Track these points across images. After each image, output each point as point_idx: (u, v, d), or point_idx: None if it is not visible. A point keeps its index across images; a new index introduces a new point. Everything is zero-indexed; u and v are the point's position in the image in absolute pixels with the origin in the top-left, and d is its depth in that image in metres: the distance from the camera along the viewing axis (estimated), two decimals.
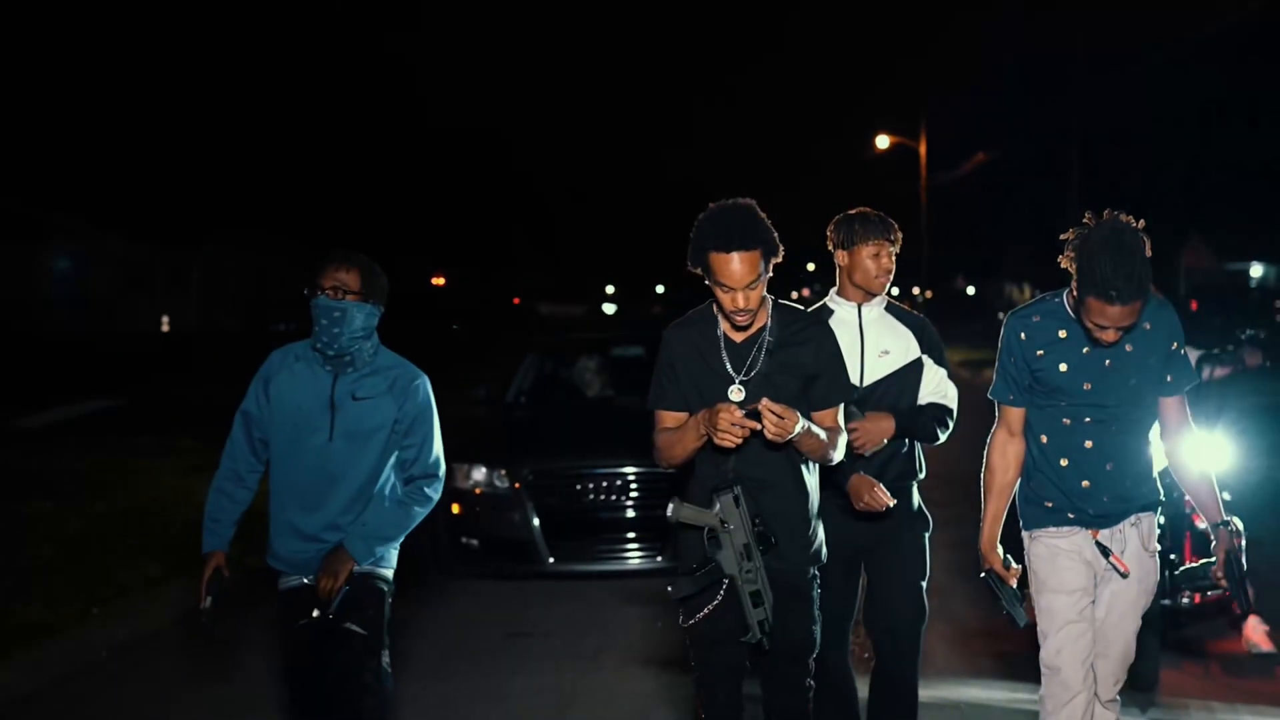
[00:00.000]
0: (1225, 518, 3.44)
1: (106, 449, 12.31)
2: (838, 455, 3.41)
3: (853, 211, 4.06)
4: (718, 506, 3.23)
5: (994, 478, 3.59)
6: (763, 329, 3.37)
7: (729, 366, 3.34)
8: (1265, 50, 30.64)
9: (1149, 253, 3.18)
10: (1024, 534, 3.59)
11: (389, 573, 3.77)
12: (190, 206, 34.88)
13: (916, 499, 4.09)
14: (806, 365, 3.36)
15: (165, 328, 33.48)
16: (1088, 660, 3.48)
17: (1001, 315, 6.23)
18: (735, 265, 3.20)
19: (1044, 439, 3.50)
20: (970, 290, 58.95)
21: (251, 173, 34.52)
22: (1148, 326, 3.36)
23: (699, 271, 3.33)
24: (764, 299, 3.37)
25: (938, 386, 4.10)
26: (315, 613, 3.64)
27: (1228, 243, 47.15)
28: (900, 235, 4.08)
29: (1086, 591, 3.49)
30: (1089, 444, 3.42)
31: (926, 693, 4.85)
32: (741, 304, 3.25)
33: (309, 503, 3.66)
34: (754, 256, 3.22)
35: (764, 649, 3.28)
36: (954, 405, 4.12)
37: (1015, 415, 3.54)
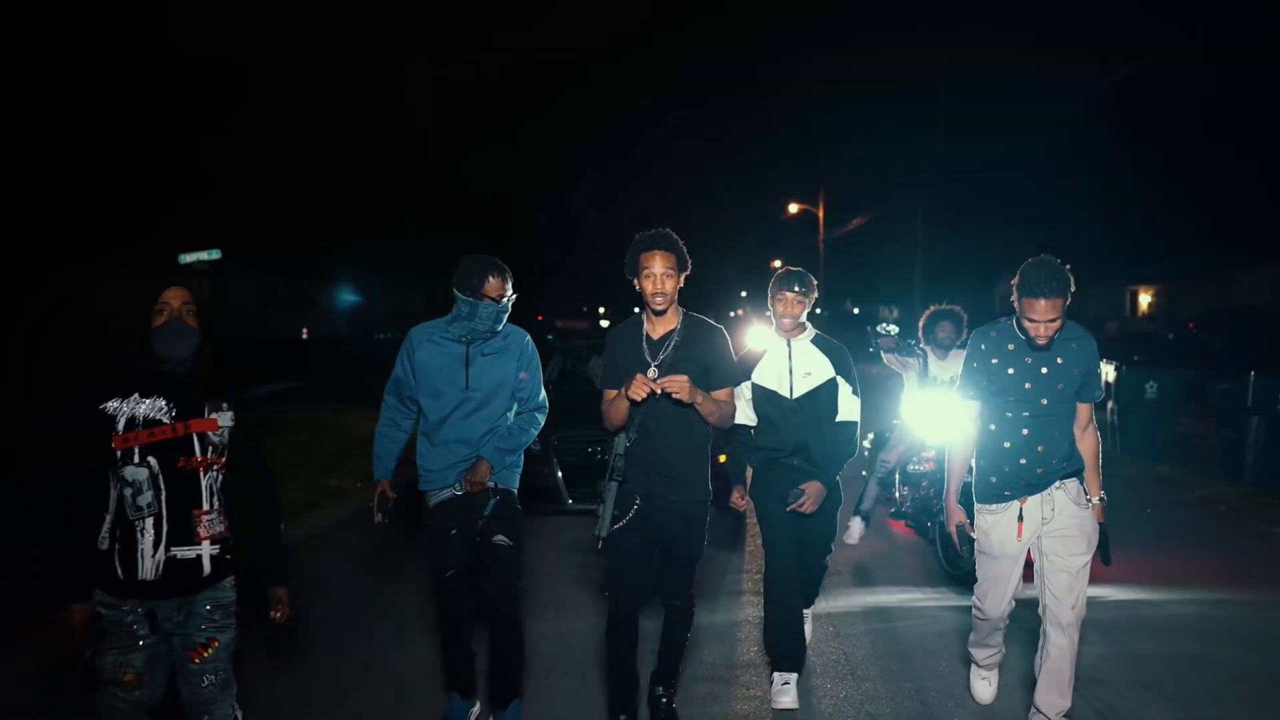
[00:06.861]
0: (1101, 494, 3.37)
1: (307, 410, 12.83)
2: (731, 422, 3.45)
3: (785, 274, 3.93)
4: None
5: (956, 455, 3.50)
6: (673, 330, 3.34)
7: (648, 355, 3.33)
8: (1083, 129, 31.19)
9: (1072, 284, 3.16)
10: (976, 504, 3.46)
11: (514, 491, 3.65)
12: (313, 250, 36.25)
13: (835, 477, 3.99)
14: (704, 356, 3.33)
15: (304, 335, 33.87)
16: (1005, 603, 3.43)
17: (877, 330, 6.24)
18: (657, 259, 3.23)
19: (993, 427, 3.38)
20: (856, 310, 60.45)
21: (352, 228, 36.04)
22: (1075, 346, 3.29)
23: (633, 278, 3.31)
24: (678, 309, 3.35)
25: (849, 406, 3.92)
26: (471, 520, 3.50)
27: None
28: (813, 288, 3.92)
29: (1014, 556, 3.36)
30: (1026, 431, 3.31)
31: (859, 600, 5.20)
32: (659, 287, 3.23)
33: (454, 434, 3.54)
34: (670, 257, 3.24)
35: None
36: (858, 417, 3.95)
37: (975, 409, 3.44)
